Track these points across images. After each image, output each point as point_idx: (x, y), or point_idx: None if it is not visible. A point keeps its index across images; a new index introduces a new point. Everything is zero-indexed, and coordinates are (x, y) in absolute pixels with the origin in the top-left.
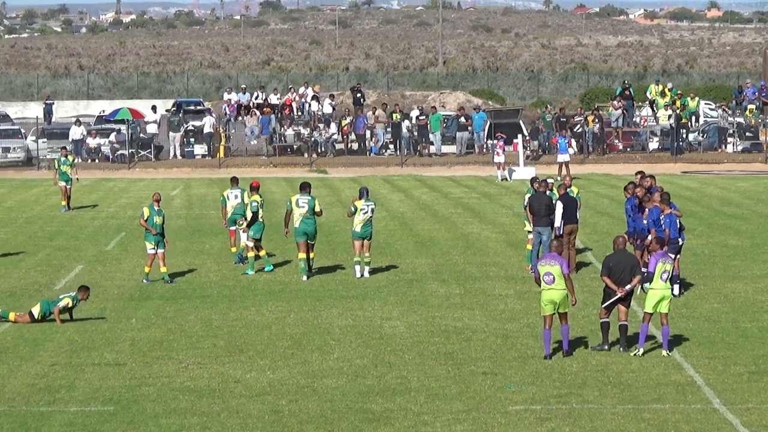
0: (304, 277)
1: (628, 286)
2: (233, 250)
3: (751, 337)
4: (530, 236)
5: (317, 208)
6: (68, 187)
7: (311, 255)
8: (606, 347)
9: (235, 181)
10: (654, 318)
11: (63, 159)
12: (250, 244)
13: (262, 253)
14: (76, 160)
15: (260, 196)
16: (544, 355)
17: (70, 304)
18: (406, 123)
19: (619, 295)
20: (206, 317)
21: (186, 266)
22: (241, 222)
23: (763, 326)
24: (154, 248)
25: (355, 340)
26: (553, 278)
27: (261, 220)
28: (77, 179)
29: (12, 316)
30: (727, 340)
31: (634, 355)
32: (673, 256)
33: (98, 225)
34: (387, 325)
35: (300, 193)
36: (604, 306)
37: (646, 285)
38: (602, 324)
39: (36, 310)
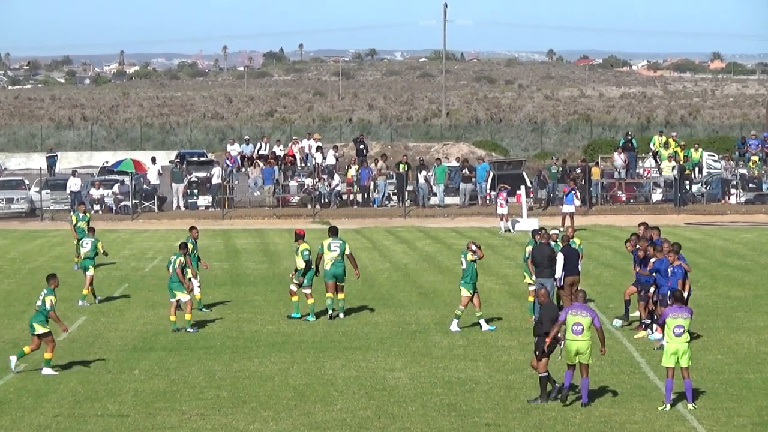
0: (330, 313)
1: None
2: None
3: (754, 389)
4: (531, 288)
5: (347, 252)
6: None
7: (341, 296)
8: (540, 401)
9: (192, 230)
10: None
11: (81, 215)
12: (308, 291)
13: (311, 301)
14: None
15: (308, 244)
16: (562, 384)
17: (54, 300)
18: (423, 173)
19: (562, 343)
20: (209, 368)
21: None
22: (293, 275)
23: (766, 377)
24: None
25: (358, 391)
26: (582, 329)
27: (312, 267)
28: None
29: (27, 349)
30: (730, 391)
31: (661, 410)
32: (689, 310)
33: (102, 276)
34: (390, 376)
35: (331, 238)
36: (561, 357)
37: (654, 337)
38: (543, 378)
39: (40, 329)
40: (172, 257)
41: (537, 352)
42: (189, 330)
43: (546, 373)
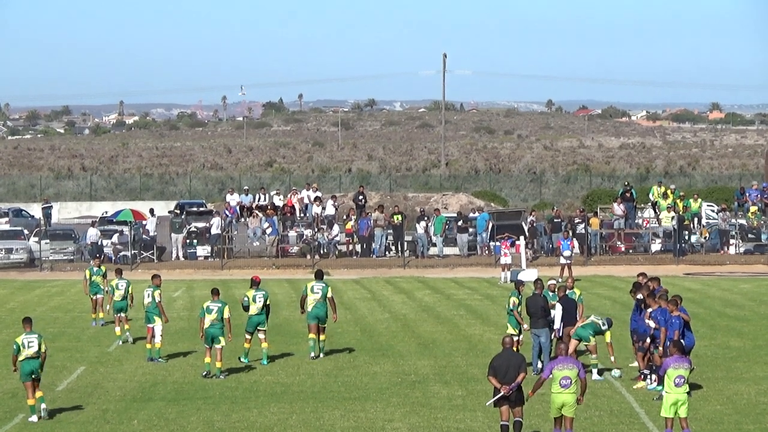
0: (312, 354)
1: (513, 384)
2: (148, 346)
3: None
4: (515, 338)
5: (329, 295)
6: (100, 298)
7: (322, 337)
8: None
9: (154, 278)
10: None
11: (95, 269)
12: (248, 336)
13: (247, 345)
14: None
15: (254, 291)
16: None
17: (43, 344)
18: (422, 224)
19: (502, 392)
20: (208, 419)
21: (188, 367)
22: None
23: (766, 428)
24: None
25: None
26: (570, 382)
27: (254, 313)
28: (106, 291)
29: (34, 398)
30: None
31: None
32: (689, 360)
33: (100, 326)
34: (389, 426)
35: (315, 281)
36: (489, 403)
37: (653, 387)
38: (501, 427)
39: (40, 374)
40: (213, 305)
41: (498, 400)
42: (220, 376)
43: (520, 419)
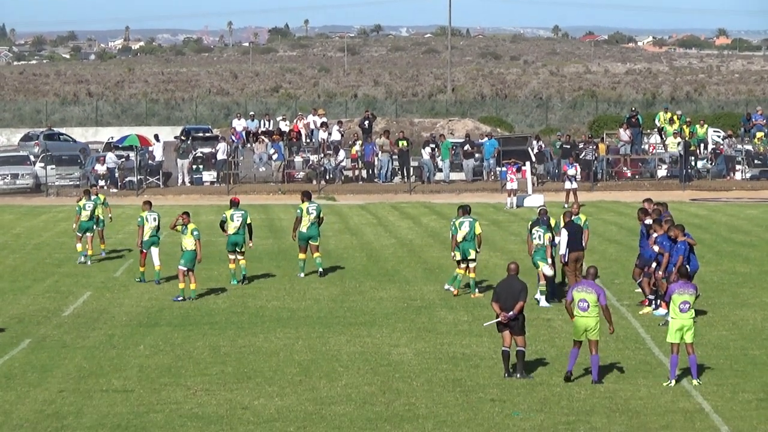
0: (301, 274)
1: (510, 313)
2: (141, 269)
3: (759, 365)
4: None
5: (322, 215)
6: (99, 230)
7: (317, 254)
8: (505, 375)
9: (148, 204)
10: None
11: (94, 197)
12: (231, 257)
13: (243, 262)
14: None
15: (233, 211)
16: (566, 371)
17: None
18: (427, 149)
19: (499, 319)
20: (214, 344)
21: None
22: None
23: None
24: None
25: (363, 367)
26: (588, 305)
27: (232, 232)
28: (110, 218)
29: None
30: (735, 367)
31: (666, 385)
32: (694, 286)
33: (106, 251)
34: (395, 352)
35: (308, 202)
36: (486, 325)
37: (658, 312)
38: (502, 352)
39: None
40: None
41: (498, 325)
42: (193, 297)
43: (523, 348)
